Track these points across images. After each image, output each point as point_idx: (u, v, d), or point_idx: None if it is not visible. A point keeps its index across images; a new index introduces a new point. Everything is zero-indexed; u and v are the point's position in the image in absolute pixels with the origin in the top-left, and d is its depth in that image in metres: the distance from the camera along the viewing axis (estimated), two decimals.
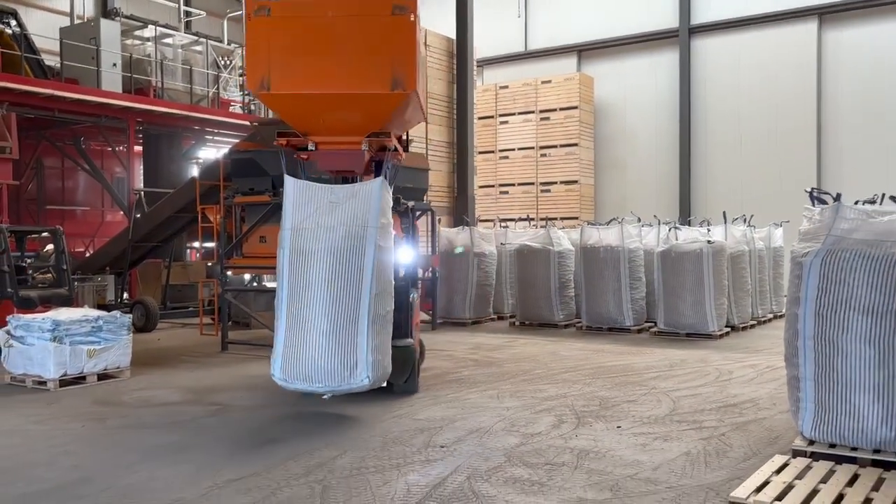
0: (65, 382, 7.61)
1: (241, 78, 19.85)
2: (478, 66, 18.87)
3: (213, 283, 12.75)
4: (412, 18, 5.91)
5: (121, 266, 13.35)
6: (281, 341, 5.89)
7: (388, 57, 5.84)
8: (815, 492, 4.02)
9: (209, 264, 15.01)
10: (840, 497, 3.94)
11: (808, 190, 5.66)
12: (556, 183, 18.62)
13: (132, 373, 8.19)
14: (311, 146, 6.33)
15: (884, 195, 6.85)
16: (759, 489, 4.06)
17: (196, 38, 19.13)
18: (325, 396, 6.06)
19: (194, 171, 19.32)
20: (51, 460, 5.12)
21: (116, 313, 8.18)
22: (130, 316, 8.36)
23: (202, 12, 21.51)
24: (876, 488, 4.07)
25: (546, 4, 20.55)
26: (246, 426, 6.10)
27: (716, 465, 4.84)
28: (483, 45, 18.51)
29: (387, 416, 6.22)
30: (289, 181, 5.96)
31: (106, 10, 20.37)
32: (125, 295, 13.56)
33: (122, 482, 4.63)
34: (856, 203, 6.58)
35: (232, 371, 8.62)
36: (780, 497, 3.95)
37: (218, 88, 18.63)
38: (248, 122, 18.24)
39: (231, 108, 19.15)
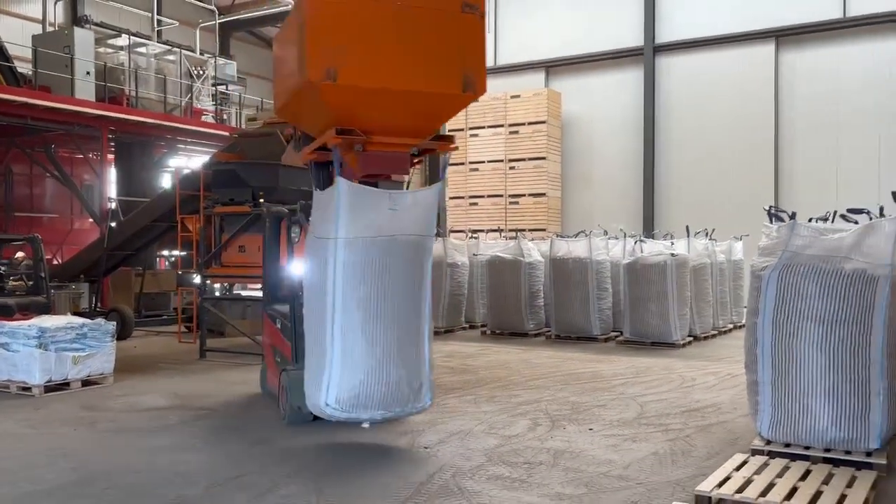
0: (49, 388, 7.74)
1: (213, 88, 20.01)
2: None
3: (189, 292, 12.91)
4: (481, 18, 5.55)
5: (95, 274, 13.43)
6: (335, 365, 5.20)
7: (457, 56, 5.40)
8: (771, 485, 4.40)
9: (179, 273, 15.16)
10: (794, 490, 4.33)
11: (767, 208, 6.07)
12: (524, 195, 19.06)
13: (114, 379, 8.34)
14: (356, 147, 5.63)
15: (835, 213, 7.35)
16: (721, 484, 4.43)
17: (169, 47, 19.23)
18: (365, 425, 5.48)
19: (166, 180, 19.44)
20: (49, 461, 5.31)
21: (101, 320, 8.34)
22: (115, 323, 8.50)
23: (175, 22, 21.60)
24: (826, 482, 4.47)
25: (515, 21, 21.04)
26: (235, 428, 6.33)
27: (682, 464, 5.22)
28: None
29: None
30: (343, 184, 5.20)
31: (76, 18, 20.37)
32: (97, 303, 13.63)
33: (123, 481, 4.85)
34: (809, 221, 7.06)
35: (213, 377, 8.81)
36: (740, 490, 4.32)
37: (191, 98, 18.74)
38: (220, 132, 18.43)
39: (203, 118, 19.26)
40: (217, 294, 13.85)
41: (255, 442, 5.84)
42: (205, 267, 10.46)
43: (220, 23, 22.84)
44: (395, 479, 4.87)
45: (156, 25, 21.22)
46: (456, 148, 6.08)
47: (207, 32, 22.52)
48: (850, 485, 4.41)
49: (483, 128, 19.65)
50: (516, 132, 19.21)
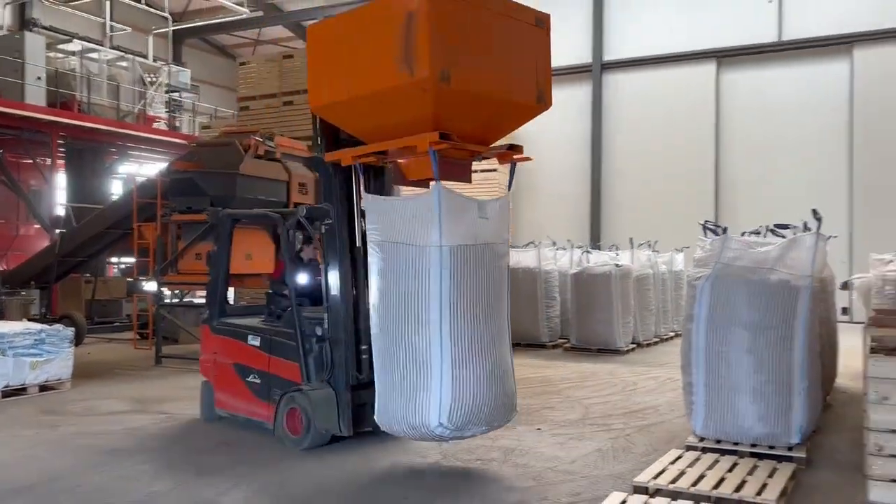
0: (6, 394, 7.80)
1: (166, 95, 19.98)
2: None
3: (142, 299, 12.94)
4: (548, 34, 5.63)
5: (46, 280, 13.35)
6: (446, 382, 4.82)
7: (533, 67, 5.43)
8: (702, 476, 4.82)
9: (129, 280, 15.14)
10: (721, 480, 4.75)
11: (702, 223, 6.53)
12: None
13: (72, 385, 8.42)
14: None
15: (767, 227, 7.89)
16: (657, 476, 4.83)
17: (122, 53, 19.17)
18: (451, 441, 5.27)
19: (117, 186, 19.34)
20: (16, 462, 5.45)
21: (59, 326, 8.43)
22: (73, 329, 8.58)
23: (127, 27, 21.49)
24: (750, 473, 4.91)
25: None
26: (196, 431, 6.53)
27: (622, 459, 5.62)
28: None
29: None
30: (442, 190, 4.93)
31: (24, 21, 20.15)
32: (48, 310, 13.53)
33: (93, 480, 5.03)
34: (743, 235, 7.58)
35: (170, 383, 8.95)
36: (673, 481, 4.73)
37: (144, 105, 18.70)
38: (173, 140, 18.44)
39: (156, 125, 19.22)
40: (169, 301, 13.91)
41: (219, 444, 6.05)
42: (161, 274, 10.56)
43: (173, 30, 22.80)
44: (356, 475, 5.15)
45: (108, 31, 21.09)
46: (527, 159, 5.99)
47: (160, 39, 22.47)
48: (771, 475, 4.85)
49: None
50: None
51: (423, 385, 4.85)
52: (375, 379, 5.13)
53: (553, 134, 20.30)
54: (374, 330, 5.12)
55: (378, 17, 5.03)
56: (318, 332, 5.86)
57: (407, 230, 5.01)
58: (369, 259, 5.17)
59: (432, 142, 4.91)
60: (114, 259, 17.37)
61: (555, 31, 19.05)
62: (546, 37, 5.64)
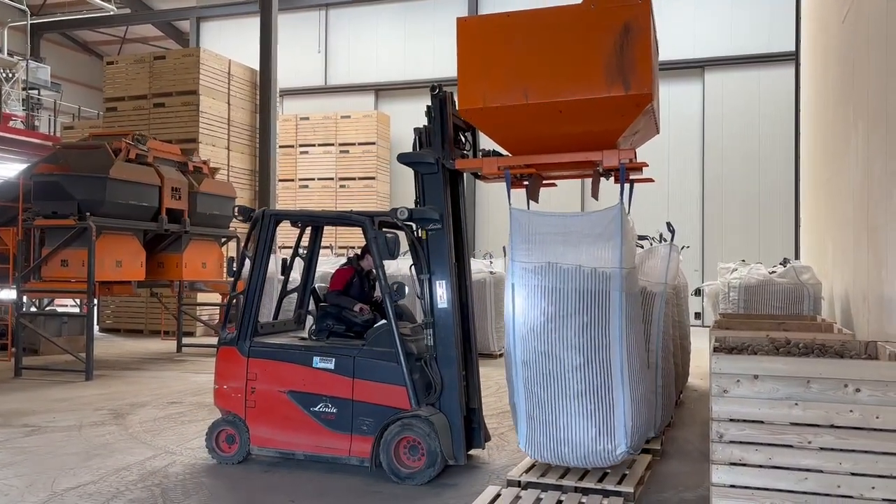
0: None
1: (24, 92, 18.91)
2: (279, 96, 19.46)
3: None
4: None
5: None
6: (628, 406, 4.72)
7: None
8: (568, 470, 5.16)
9: None
10: (585, 472, 5.13)
11: None
12: None
13: None
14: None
15: None
16: (528, 470, 5.18)
17: None
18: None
19: None
20: None
21: None
22: None
23: None
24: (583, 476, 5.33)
25: (345, 44, 21.62)
26: (67, 443, 6.31)
27: (497, 456, 5.96)
28: (284, 76, 19.14)
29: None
30: (621, 210, 4.80)
31: None
32: None
33: None
34: None
35: (34, 395, 8.55)
36: (543, 475, 5.08)
37: None
38: (31, 139, 17.48)
39: (12, 124, 18.15)
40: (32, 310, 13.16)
41: (92, 455, 5.90)
42: (23, 281, 10.05)
43: (31, 23, 21.57)
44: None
45: None
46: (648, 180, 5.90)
47: (17, 32, 21.20)
48: (630, 466, 5.29)
49: (313, 145, 19.98)
50: (347, 151, 19.72)
51: (607, 410, 4.69)
52: (518, 407, 4.93)
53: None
54: (522, 356, 4.84)
55: (577, 22, 4.71)
56: (421, 350, 5.44)
57: (580, 250, 4.77)
58: (514, 280, 4.88)
59: (624, 159, 4.74)
60: None
61: (429, 43, 19.51)
62: None
